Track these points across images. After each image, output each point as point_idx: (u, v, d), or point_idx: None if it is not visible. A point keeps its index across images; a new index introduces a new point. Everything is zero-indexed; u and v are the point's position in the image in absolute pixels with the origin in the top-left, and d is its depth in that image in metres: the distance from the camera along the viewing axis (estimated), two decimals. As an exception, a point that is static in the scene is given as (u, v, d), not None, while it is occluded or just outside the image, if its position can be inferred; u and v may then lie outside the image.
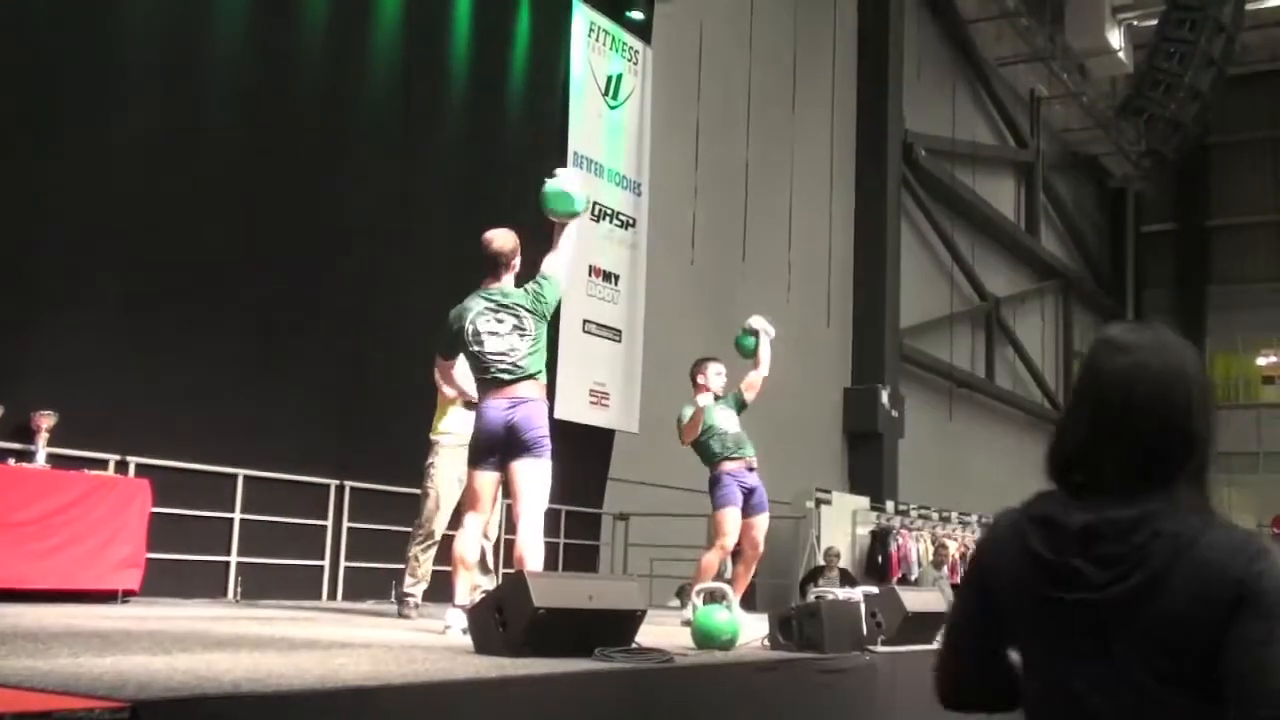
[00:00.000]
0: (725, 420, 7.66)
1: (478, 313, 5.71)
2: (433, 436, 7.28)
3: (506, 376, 5.63)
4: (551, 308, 5.81)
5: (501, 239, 5.84)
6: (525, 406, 5.60)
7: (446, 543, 7.26)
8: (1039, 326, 29.64)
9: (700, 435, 7.60)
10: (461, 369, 6.82)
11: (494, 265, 5.82)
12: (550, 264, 5.83)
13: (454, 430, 7.22)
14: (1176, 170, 33.08)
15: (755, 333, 7.98)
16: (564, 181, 5.88)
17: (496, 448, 5.64)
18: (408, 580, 7.16)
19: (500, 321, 5.66)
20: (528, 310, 5.71)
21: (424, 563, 7.20)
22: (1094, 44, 27.66)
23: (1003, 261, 27.64)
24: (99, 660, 3.31)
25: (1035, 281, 29.53)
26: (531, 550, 5.48)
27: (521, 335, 5.66)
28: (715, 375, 7.79)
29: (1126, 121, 30.27)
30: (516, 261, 5.87)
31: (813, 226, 18.87)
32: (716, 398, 7.76)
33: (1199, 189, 33.89)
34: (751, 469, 7.65)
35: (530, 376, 5.65)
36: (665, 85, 14.49)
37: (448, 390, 7.10)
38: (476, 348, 5.69)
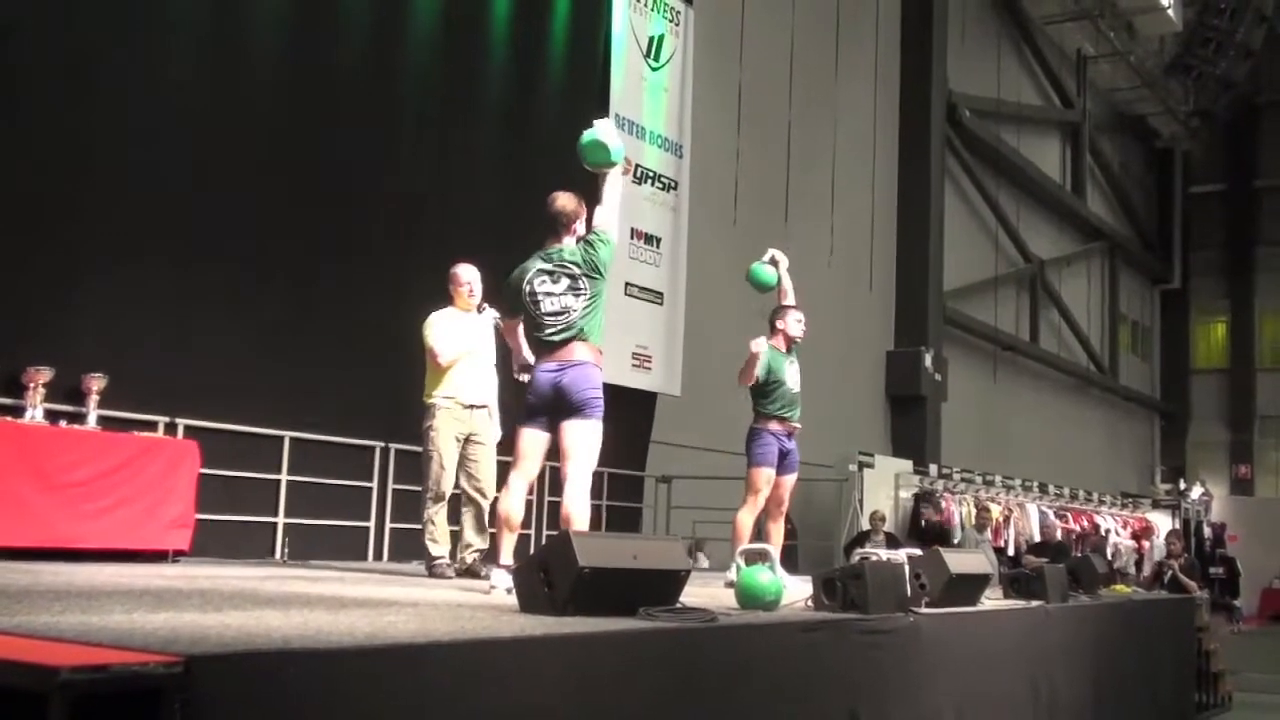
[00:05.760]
0: (793, 378, 7.61)
1: (534, 273, 5.71)
2: (428, 400, 7.34)
3: (558, 339, 5.63)
4: (606, 263, 5.73)
5: (564, 199, 5.81)
6: (575, 370, 5.59)
7: (453, 502, 7.40)
8: (1084, 289, 29.37)
9: (768, 382, 7.54)
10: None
11: (554, 225, 5.78)
12: (600, 219, 5.82)
13: (454, 394, 7.31)
14: (1225, 130, 32.66)
15: (776, 263, 7.91)
16: (600, 132, 5.88)
17: (546, 409, 5.65)
18: (431, 547, 7.23)
19: (556, 281, 5.66)
20: (581, 267, 5.67)
21: (440, 524, 7.27)
22: (1143, 1, 27.24)
23: (1048, 223, 27.38)
24: (152, 616, 3.36)
25: (1081, 243, 29.25)
26: (578, 511, 5.50)
27: (577, 295, 5.64)
28: (796, 323, 7.72)
29: (1175, 80, 29.86)
30: (579, 225, 5.81)
31: (856, 188, 18.75)
32: (792, 344, 7.73)
33: (1248, 149, 33.40)
34: (792, 434, 7.64)
35: (583, 338, 5.63)
36: (707, 46, 14.41)
37: (438, 353, 7.22)
38: (533, 308, 5.70)
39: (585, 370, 5.62)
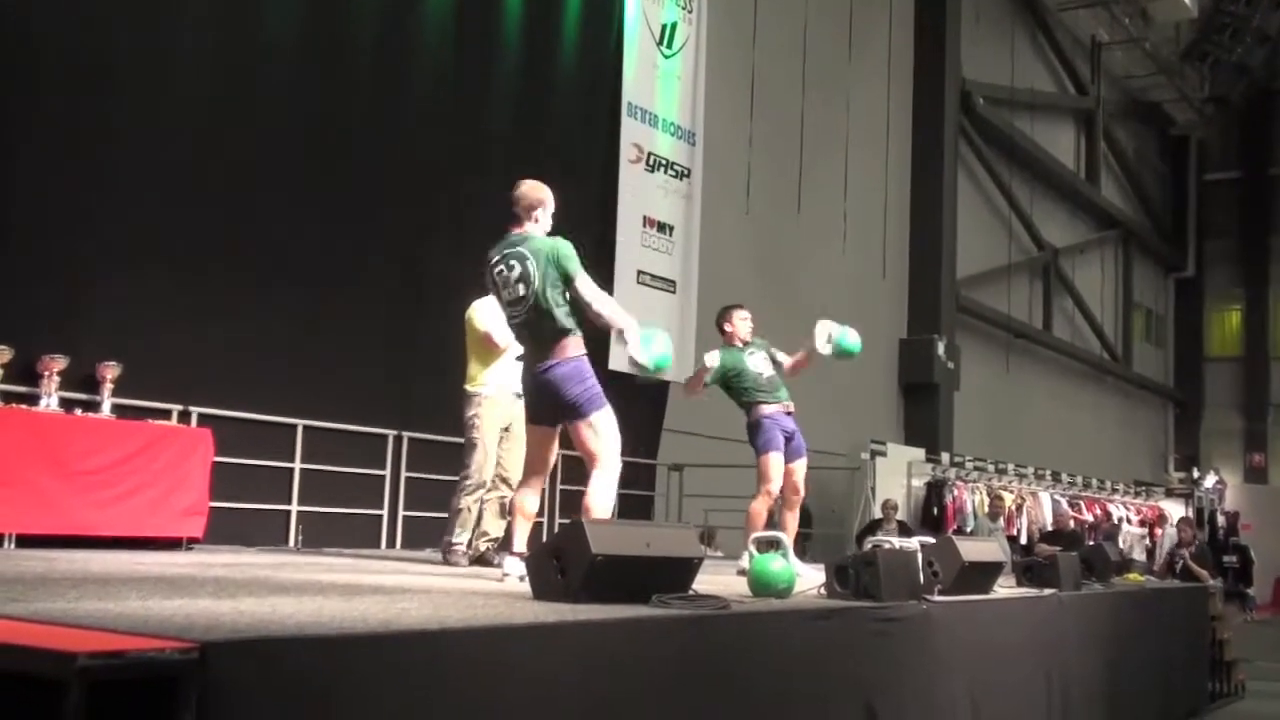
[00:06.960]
0: (757, 363, 7.59)
1: (494, 260, 5.60)
2: (470, 388, 7.34)
3: (529, 332, 5.53)
4: (560, 273, 5.44)
5: (525, 186, 5.69)
6: (554, 371, 5.43)
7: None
8: (1098, 277, 29.25)
9: (730, 378, 7.56)
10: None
11: (514, 210, 5.66)
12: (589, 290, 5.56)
13: (496, 381, 7.30)
14: (1241, 117, 32.44)
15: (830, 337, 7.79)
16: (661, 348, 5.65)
17: (543, 405, 5.59)
18: (456, 530, 7.23)
19: (510, 269, 5.51)
20: (531, 256, 5.46)
21: (474, 512, 7.27)
22: (1157, -13, 27.11)
23: (1062, 211, 27.27)
24: (167, 603, 3.37)
25: (1095, 231, 29.12)
26: (599, 504, 5.41)
27: (526, 286, 5.45)
28: (742, 321, 7.71)
29: (1190, 67, 29.67)
30: (539, 214, 5.66)
31: (869, 176, 18.71)
32: (745, 344, 7.73)
33: (1264, 136, 33.13)
34: (789, 413, 7.62)
35: (552, 335, 5.44)
36: (719, 34, 14.37)
37: (497, 339, 7.14)
38: (499, 295, 5.62)
39: (563, 371, 5.42)
